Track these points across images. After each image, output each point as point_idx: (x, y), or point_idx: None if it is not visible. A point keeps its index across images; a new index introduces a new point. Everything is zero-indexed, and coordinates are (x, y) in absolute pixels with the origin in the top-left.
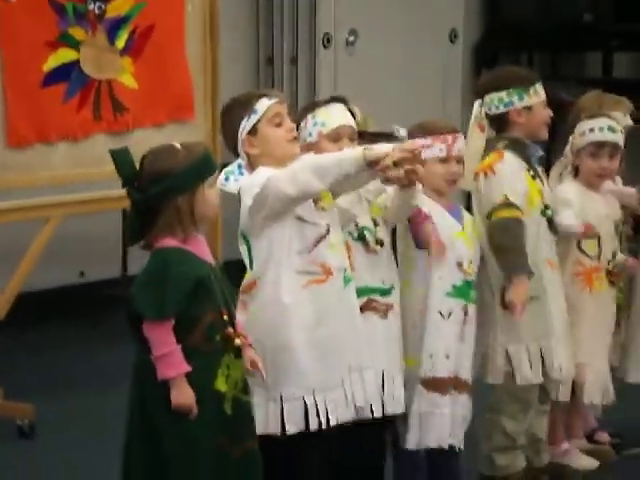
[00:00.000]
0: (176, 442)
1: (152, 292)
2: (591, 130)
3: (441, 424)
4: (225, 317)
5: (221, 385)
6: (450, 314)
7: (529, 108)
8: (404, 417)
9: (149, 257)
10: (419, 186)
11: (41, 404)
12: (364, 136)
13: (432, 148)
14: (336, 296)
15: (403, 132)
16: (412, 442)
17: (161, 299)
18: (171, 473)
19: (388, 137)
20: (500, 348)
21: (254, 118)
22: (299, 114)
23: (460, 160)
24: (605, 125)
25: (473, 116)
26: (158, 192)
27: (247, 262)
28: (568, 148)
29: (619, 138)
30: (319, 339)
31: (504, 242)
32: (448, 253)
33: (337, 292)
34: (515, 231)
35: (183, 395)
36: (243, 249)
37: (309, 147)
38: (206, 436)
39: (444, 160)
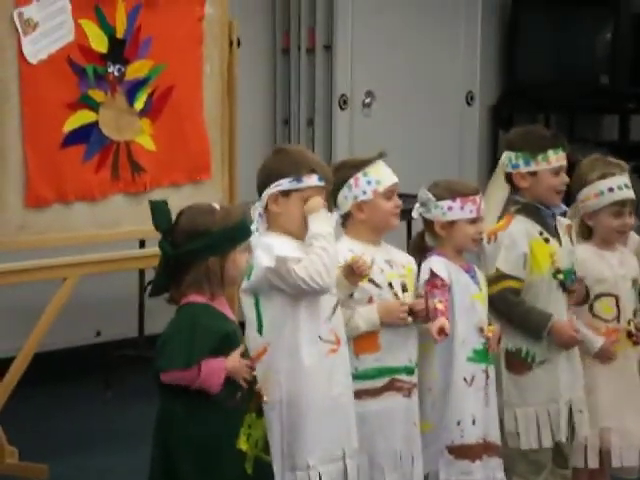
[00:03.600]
0: None
1: (179, 343)
2: (610, 190)
3: None
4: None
5: (243, 444)
6: (473, 379)
7: (534, 174)
8: None
9: (176, 312)
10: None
11: (56, 465)
12: None
13: (463, 210)
14: (344, 367)
15: (429, 196)
16: None
17: (189, 349)
18: None
19: (406, 198)
20: (509, 410)
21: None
22: (342, 171)
23: (483, 219)
24: (622, 183)
25: (499, 166)
26: (191, 249)
27: (253, 321)
28: (570, 212)
29: (633, 193)
30: (331, 409)
31: (510, 314)
32: (468, 317)
33: (345, 363)
34: (512, 300)
35: (240, 373)
36: (249, 303)
37: (361, 205)
38: None
39: (473, 221)
